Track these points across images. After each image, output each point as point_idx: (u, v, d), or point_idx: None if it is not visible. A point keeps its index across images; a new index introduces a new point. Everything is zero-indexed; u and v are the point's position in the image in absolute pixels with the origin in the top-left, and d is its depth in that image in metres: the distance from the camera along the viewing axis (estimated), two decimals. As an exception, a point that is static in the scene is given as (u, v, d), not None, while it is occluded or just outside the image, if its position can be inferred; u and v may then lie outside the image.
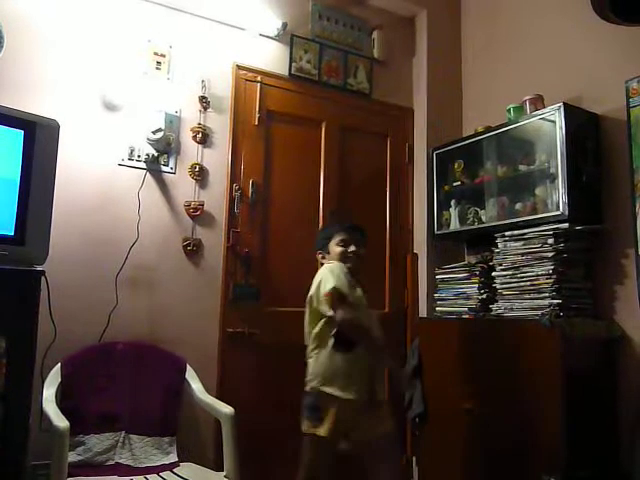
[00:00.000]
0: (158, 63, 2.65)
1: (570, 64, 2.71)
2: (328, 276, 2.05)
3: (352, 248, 2.16)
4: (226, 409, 2.21)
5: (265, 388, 2.70)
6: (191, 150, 2.69)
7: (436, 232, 3.11)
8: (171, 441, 2.27)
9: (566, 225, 2.38)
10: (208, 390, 2.39)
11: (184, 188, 2.66)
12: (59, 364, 2.20)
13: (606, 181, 2.50)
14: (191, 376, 2.41)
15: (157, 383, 2.34)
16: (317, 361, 2.06)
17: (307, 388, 2.06)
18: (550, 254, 2.38)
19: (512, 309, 2.51)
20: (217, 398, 2.38)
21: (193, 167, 2.68)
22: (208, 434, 2.51)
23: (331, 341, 2.04)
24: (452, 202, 3.06)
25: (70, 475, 1.90)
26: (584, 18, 2.45)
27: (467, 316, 2.75)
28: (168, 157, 2.63)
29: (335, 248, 2.17)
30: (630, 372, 2.33)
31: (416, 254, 3.21)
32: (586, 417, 2.22)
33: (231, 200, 2.75)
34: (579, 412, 2.19)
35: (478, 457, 2.46)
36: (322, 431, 1.95)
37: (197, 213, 2.65)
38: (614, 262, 2.45)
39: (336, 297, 1.99)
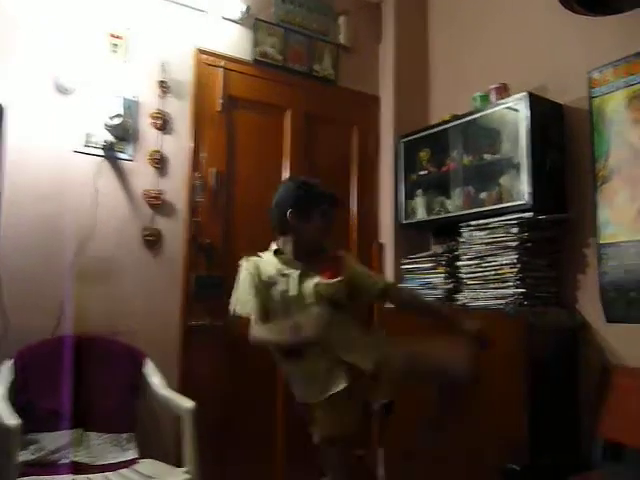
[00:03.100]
0: (114, 45, 2.59)
1: (535, 54, 2.75)
2: (235, 290, 1.92)
3: (330, 226, 2.01)
4: (186, 403, 2.19)
5: (229, 382, 2.69)
6: (150, 137, 2.65)
7: (402, 222, 3.13)
8: (130, 437, 2.25)
9: (530, 214, 2.42)
10: (169, 385, 2.37)
11: (143, 176, 2.62)
12: (11, 359, 2.14)
13: (570, 170, 2.56)
14: (151, 370, 2.38)
15: (115, 378, 2.31)
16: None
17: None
18: (514, 243, 2.43)
19: (477, 299, 2.56)
20: (178, 393, 2.35)
21: (153, 155, 2.64)
22: (169, 430, 2.47)
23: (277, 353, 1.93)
24: (419, 191, 3.09)
25: (23, 475, 1.86)
26: (550, 8, 2.49)
27: None
28: (126, 144, 2.58)
29: (317, 219, 1.97)
30: (590, 360, 2.40)
31: (382, 244, 3.23)
32: (548, 405, 2.28)
33: (192, 189, 2.72)
34: (542, 400, 2.24)
35: (444, 448, 2.49)
36: (315, 438, 1.84)
37: (157, 202, 2.62)
38: (577, 251, 2.51)
39: (245, 322, 1.86)
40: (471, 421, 2.33)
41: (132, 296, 2.54)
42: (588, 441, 2.28)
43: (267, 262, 1.98)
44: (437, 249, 2.98)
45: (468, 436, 2.34)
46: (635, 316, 2.27)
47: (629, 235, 2.30)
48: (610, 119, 2.38)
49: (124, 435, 2.24)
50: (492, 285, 2.50)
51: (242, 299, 1.90)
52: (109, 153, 2.53)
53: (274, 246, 2.02)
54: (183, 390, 2.45)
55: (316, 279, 1.94)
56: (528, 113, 2.46)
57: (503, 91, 2.72)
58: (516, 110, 2.53)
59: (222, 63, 2.86)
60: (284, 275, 1.93)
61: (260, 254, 2.01)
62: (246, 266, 1.96)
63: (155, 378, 2.36)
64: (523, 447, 2.18)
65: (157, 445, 2.42)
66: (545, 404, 2.26)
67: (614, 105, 2.37)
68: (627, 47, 2.35)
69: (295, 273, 1.94)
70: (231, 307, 1.91)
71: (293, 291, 1.92)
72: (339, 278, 1.96)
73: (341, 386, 1.81)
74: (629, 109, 2.33)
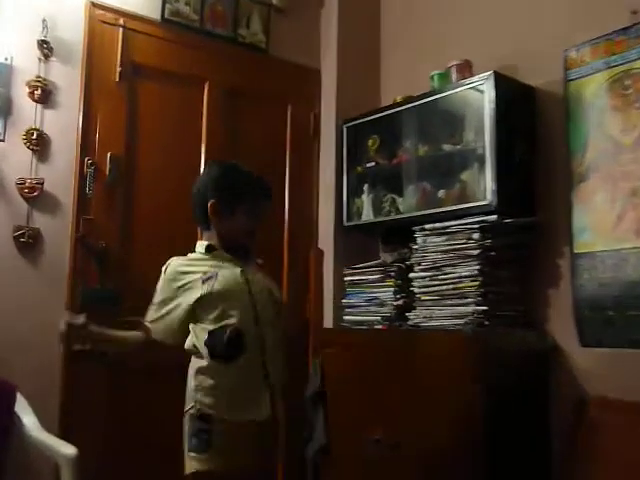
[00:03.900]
0: (-20, -7, 2.51)
1: (504, 27, 2.82)
2: (159, 286, 2.01)
3: (257, 225, 2.07)
4: (67, 449, 2.13)
5: (123, 421, 2.63)
6: (27, 111, 2.59)
7: (345, 223, 3.15)
8: (-7, 494, 2.15)
9: (494, 217, 2.47)
10: (47, 426, 2.30)
11: (16, 161, 2.55)
12: None
13: (541, 166, 2.63)
14: (22, 408, 2.31)
15: (-25, 418, 2.21)
16: (194, 376, 1.99)
17: (186, 411, 1.98)
18: (475, 252, 2.47)
19: (432, 317, 2.59)
20: (58, 436, 2.30)
21: (29, 133, 2.57)
22: (46, 482, 2.40)
23: (205, 350, 1.96)
24: (365, 187, 3.11)
25: None
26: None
27: (380, 326, 2.81)
28: (-6, 119, 2.51)
29: (241, 216, 2.02)
30: (563, 388, 2.47)
31: (321, 250, 3.24)
32: (512, 448, 2.32)
33: (82, 178, 2.67)
34: (504, 442, 2.29)
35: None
36: (212, 464, 1.88)
37: (34, 194, 2.56)
38: (548, 262, 2.58)
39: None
40: (422, 463, 2.36)
41: (1, 312, 2.46)
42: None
43: (198, 260, 2.03)
44: (386, 257, 3.00)
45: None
46: (614, 339, 2.35)
47: (608, 244, 2.38)
48: (589, 106, 2.47)
49: (-14, 490, 2.14)
50: (449, 301, 2.54)
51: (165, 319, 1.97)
52: (-29, 130, 2.45)
53: (203, 243, 2.05)
54: (64, 432, 2.40)
55: (262, 279, 2.05)
56: (493, 95, 2.51)
57: (466, 69, 2.77)
58: (480, 92, 2.58)
59: (122, 21, 2.81)
60: (219, 270, 1.98)
61: (190, 254, 2.07)
62: (167, 275, 2.00)
63: (28, 418, 2.29)
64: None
65: (30, 502, 2.33)
66: (508, 447, 2.30)
67: (593, 89, 2.46)
68: (608, 22, 2.43)
69: (236, 269, 2.00)
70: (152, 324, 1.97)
71: (238, 290, 1.98)
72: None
73: (264, 414, 1.94)
74: (610, 95, 2.42)
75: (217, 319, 1.94)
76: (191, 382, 1.98)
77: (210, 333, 1.93)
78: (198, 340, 1.96)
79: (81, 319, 1.87)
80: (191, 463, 1.91)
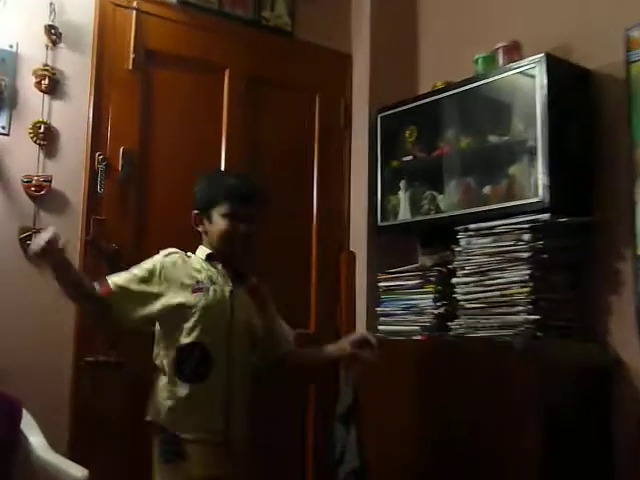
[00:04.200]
0: (-18, -26, 2.54)
1: (556, 5, 2.77)
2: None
3: (241, 229, 2.13)
4: (76, 472, 2.13)
5: (138, 440, 2.58)
6: (34, 102, 2.60)
7: (380, 224, 3.13)
8: (-3, 519, 2.15)
9: (546, 216, 2.43)
10: (55, 445, 2.29)
11: (22, 157, 2.56)
12: None
13: (600, 158, 2.58)
14: (29, 426, 2.29)
15: (-23, 436, 2.21)
16: (156, 389, 2.12)
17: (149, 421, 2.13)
18: (526, 254, 2.43)
19: (477, 327, 2.56)
20: (67, 457, 2.29)
21: (36, 127, 2.59)
22: (54, 507, 2.41)
23: (172, 368, 2.07)
24: (401, 183, 3.08)
25: None
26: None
27: (419, 337, 2.78)
28: (-2, 111, 2.54)
29: (219, 221, 2.13)
30: (627, 404, 2.42)
31: (353, 253, 3.22)
32: (570, 470, 2.28)
33: (92, 175, 2.68)
34: (561, 464, 2.25)
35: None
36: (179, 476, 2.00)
37: (41, 193, 2.57)
38: (607, 266, 2.53)
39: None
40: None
41: (5, 322, 2.47)
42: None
43: (196, 265, 2.14)
44: (425, 261, 2.97)
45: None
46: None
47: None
48: (654, 91, 2.41)
49: (-11, 517, 2.14)
50: (496, 310, 2.50)
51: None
52: (-27, 124, 2.48)
53: (205, 250, 2.17)
54: (73, 453, 2.40)
55: (248, 308, 2.17)
56: (545, 80, 2.47)
57: (514, 51, 2.73)
58: (531, 76, 2.54)
59: (135, 3, 2.81)
60: (212, 285, 2.10)
61: (189, 253, 2.17)
62: (163, 257, 2.12)
63: (35, 437, 2.28)
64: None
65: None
66: (567, 467, 2.26)
67: (659, 73, 2.41)
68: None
69: (226, 288, 2.12)
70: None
71: (220, 310, 2.09)
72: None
73: (217, 439, 2.07)
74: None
75: (187, 333, 2.05)
76: (154, 395, 2.13)
77: (179, 350, 2.05)
78: (167, 357, 2.07)
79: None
80: (161, 473, 2.06)
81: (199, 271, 2.11)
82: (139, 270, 2.10)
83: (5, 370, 2.39)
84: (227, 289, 2.11)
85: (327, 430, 2.87)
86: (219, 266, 2.15)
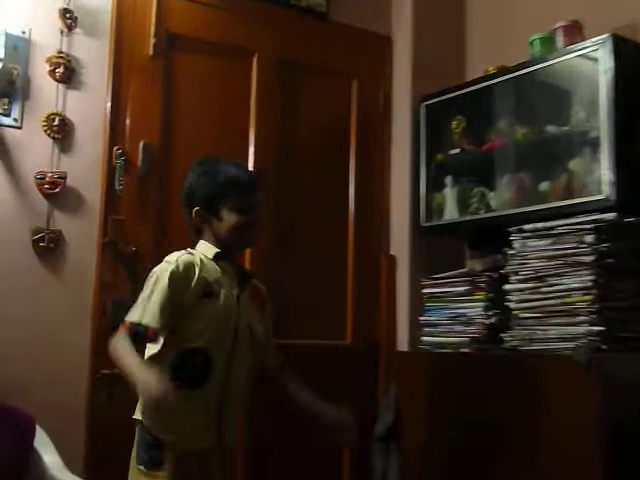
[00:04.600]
0: (-8, -45, 2.58)
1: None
2: (149, 286, 2.03)
3: (252, 219, 2.13)
4: (94, 495, 2.15)
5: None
6: (47, 93, 2.63)
7: (423, 224, 3.13)
8: None
9: (612, 215, 2.41)
10: (70, 464, 2.32)
11: (35, 151, 2.60)
12: None
13: (671, 151, 2.55)
14: (43, 443, 2.32)
15: (-12, 455, 2.25)
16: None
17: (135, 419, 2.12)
18: (589, 258, 2.41)
19: (533, 339, 2.54)
20: (83, 477, 2.33)
21: (50, 119, 2.62)
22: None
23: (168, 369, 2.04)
24: (448, 179, 3.08)
25: None
26: None
27: (467, 350, 2.78)
28: (10, 102, 2.56)
29: (229, 216, 2.11)
30: None
31: (394, 257, 3.22)
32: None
33: (110, 171, 2.70)
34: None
35: None
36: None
37: (56, 190, 2.60)
38: (681, 271, 2.49)
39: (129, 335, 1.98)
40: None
41: (16, 332, 2.50)
42: None
43: (206, 263, 2.10)
44: (475, 265, 2.97)
45: None
46: None
47: None
48: None
49: (1, 541, 2.18)
50: (555, 320, 2.49)
51: (150, 315, 1.99)
52: (-17, 116, 2.51)
53: (211, 248, 2.14)
54: (90, 472, 2.44)
55: (251, 312, 2.16)
56: (611, 64, 2.45)
57: (575, 32, 2.72)
58: (594, 60, 2.52)
59: (156, -17, 2.84)
60: (221, 288, 2.09)
61: (192, 251, 2.13)
62: (174, 265, 2.04)
63: (49, 455, 2.30)
64: None
65: None
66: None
67: None
68: None
69: (234, 292, 2.11)
70: (132, 316, 2.00)
71: (228, 317, 2.08)
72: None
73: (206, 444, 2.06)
74: None
75: (192, 338, 2.04)
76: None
77: (180, 354, 2.04)
78: (163, 359, 2.04)
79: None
80: (139, 477, 2.06)
81: (207, 272, 2.09)
82: (156, 295, 2.02)
83: (16, 383, 2.42)
84: (234, 293, 2.12)
85: (365, 453, 2.89)
86: (226, 266, 2.14)
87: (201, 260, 2.09)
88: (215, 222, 2.13)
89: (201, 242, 2.16)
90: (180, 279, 2.01)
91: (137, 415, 2.10)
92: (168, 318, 1.98)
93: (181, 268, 2.03)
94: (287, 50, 3.11)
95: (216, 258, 2.11)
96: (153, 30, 2.81)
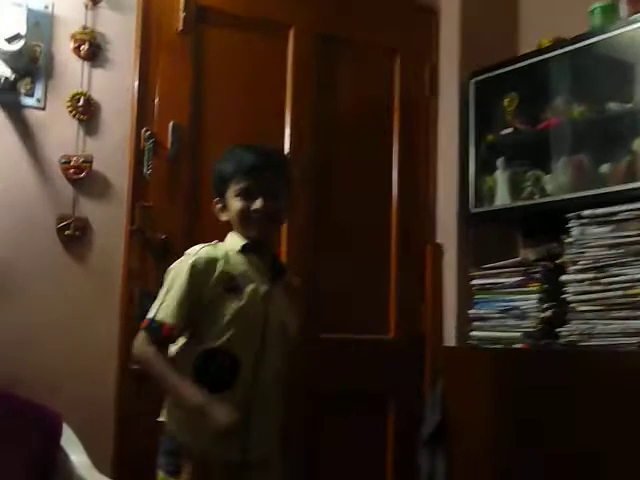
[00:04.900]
0: None
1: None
2: (168, 282, 2.04)
3: (257, 204, 2.07)
4: (124, 496, 2.18)
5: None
6: (72, 71, 2.65)
7: (472, 210, 3.12)
8: None
9: (680, 200, 2.40)
10: (98, 463, 2.35)
11: (59, 134, 2.62)
12: None
13: None
14: (70, 442, 2.36)
15: (13, 453, 2.29)
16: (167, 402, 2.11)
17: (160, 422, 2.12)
18: (654, 246, 2.40)
19: (592, 334, 2.53)
20: (112, 477, 2.35)
21: (75, 99, 2.64)
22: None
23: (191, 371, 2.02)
24: (499, 161, 3.07)
25: None
26: None
27: (521, 346, 2.77)
28: (32, 82, 2.58)
29: (232, 203, 2.09)
30: None
31: (440, 245, 3.22)
32: None
33: (138, 155, 2.73)
34: None
35: None
36: None
37: (81, 175, 2.62)
38: None
39: (152, 336, 1.98)
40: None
41: (41, 326, 2.53)
42: None
43: (232, 256, 2.07)
44: (528, 254, 2.96)
45: None
46: None
47: None
48: None
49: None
50: (617, 313, 2.48)
51: (167, 311, 1.98)
52: (5, 96, 2.52)
53: (238, 240, 2.11)
54: (119, 473, 2.46)
55: (283, 308, 2.12)
56: (681, 35, 2.43)
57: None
58: (660, 31, 2.50)
59: (185, -47, 2.85)
60: (249, 283, 2.05)
61: (217, 243, 2.12)
62: (194, 258, 2.03)
63: (77, 455, 2.33)
64: None
65: None
66: None
67: None
68: None
69: (262, 287, 2.06)
70: (149, 312, 2.00)
71: (254, 315, 2.04)
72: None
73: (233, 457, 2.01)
74: None
75: (214, 338, 2.01)
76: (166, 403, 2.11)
77: (202, 355, 2.01)
78: (186, 360, 2.03)
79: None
80: None
81: (232, 266, 2.06)
82: (174, 290, 2.01)
83: (43, 376, 2.46)
84: (263, 289, 2.07)
85: (410, 454, 2.90)
86: (255, 259, 2.11)
87: (227, 253, 2.07)
88: (227, 212, 2.12)
89: (230, 234, 2.14)
90: (200, 273, 1.99)
91: (164, 417, 2.10)
92: (186, 314, 1.97)
93: (201, 261, 2.01)
94: (325, 23, 3.11)
95: (243, 251, 2.08)
96: (182, 3, 2.81)
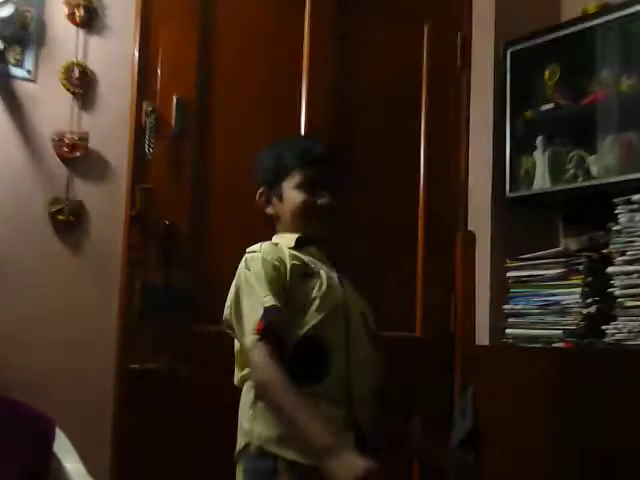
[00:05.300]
0: None
1: None
2: (245, 286, 2.00)
3: (324, 199, 2.09)
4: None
5: (196, 465, 2.67)
6: (66, 39, 2.66)
7: (508, 194, 3.13)
8: None
9: None
10: (93, 471, 2.32)
11: (52, 109, 2.62)
12: None
13: None
14: (63, 449, 2.34)
15: (1, 462, 2.30)
16: (257, 415, 2.00)
17: (239, 452, 2.02)
18: None
19: (642, 333, 2.53)
20: (109, 486, 2.38)
21: (69, 70, 2.64)
22: None
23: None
24: (538, 140, 3.07)
25: None
26: None
27: (562, 344, 2.78)
28: (23, 51, 2.58)
29: (292, 194, 2.10)
30: None
31: (472, 233, 3.22)
32: None
33: (139, 132, 2.72)
34: None
35: None
36: None
37: (76, 155, 2.62)
38: None
39: (270, 337, 1.90)
40: None
41: (32, 320, 2.53)
42: None
43: (292, 251, 2.06)
44: (571, 244, 2.96)
45: None
46: None
47: None
48: None
49: None
50: None
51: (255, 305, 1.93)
52: (-7, 67, 2.55)
53: (288, 236, 2.11)
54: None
55: (359, 300, 2.13)
56: None
57: (696, -40, 2.67)
58: None
59: None
60: (320, 269, 2.05)
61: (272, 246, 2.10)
62: (263, 254, 2.01)
63: (72, 463, 2.32)
64: None
65: None
66: None
67: None
68: None
69: (332, 274, 2.07)
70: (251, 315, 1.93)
71: (336, 298, 2.02)
72: None
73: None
74: None
75: (300, 327, 1.97)
76: (246, 413, 2.01)
77: (296, 345, 1.96)
78: None
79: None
80: None
81: (298, 257, 2.05)
82: (258, 281, 1.97)
83: (33, 375, 2.46)
84: (334, 275, 2.08)
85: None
86: (315, 251, 2.12)
87: (281, 249, 2.06)
88: (278, 205, 2.13)
89: (275, 236, 2.14)
90: (274, 265, 1.98)
91: (242, 442, 1.99)
92: (283, 297, 1.93)
93: (270, 254, 2.01)
94: (347, -12, 3.12)
95: (298, 245, 2.08)
96: (188, -35, 2.82)
